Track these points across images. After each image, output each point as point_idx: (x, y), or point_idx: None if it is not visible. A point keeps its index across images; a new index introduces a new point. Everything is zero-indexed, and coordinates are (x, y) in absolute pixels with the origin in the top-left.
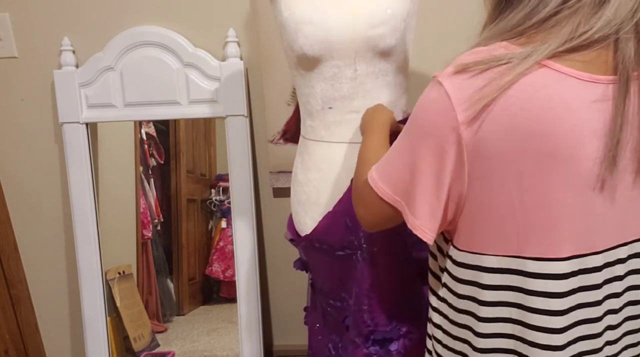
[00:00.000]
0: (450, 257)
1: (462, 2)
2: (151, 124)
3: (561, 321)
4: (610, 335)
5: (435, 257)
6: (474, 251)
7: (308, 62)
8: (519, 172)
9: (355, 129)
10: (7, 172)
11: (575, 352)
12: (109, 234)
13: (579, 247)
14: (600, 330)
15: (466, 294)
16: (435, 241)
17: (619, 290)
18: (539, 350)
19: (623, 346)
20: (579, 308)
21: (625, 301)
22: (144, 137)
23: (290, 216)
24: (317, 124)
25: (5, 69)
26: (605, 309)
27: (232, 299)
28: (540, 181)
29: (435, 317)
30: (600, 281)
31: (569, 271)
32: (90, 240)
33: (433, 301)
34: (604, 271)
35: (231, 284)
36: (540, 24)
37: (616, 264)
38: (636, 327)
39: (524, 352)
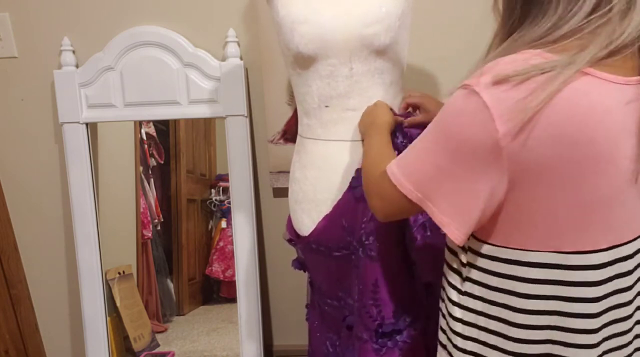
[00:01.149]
0: (480, 254)
1: (459, 0)
2: (151, 124)
3: (597, 307)
4: (639, 315)
5: (454, 253)
6: (514, 247)
7: (304, 61)
8: (563, 177)
9: (351, 127)
10: (7, 172)
11: (608, 334)
12: (109, 234)
13: (615, 238)
14: (630, 312)
15: (502, 287)
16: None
17: None
18: (577, 334)
19: None
20: (614, 294)
21: None
22: (144, 137)
23: (290, 216)
24: (313, 122)
25: (5, 69)
26: (636, 292)
27: (232, 299)
28: (583, 183)
29: (456, 312)
30: (631, 267)
31: (607, 260)
32: (90, 240)
33: (453, 295)
34: (636, 257)
35: (231, 284)
36: (573, 33)
37: None
38: None
39: (561, 339)
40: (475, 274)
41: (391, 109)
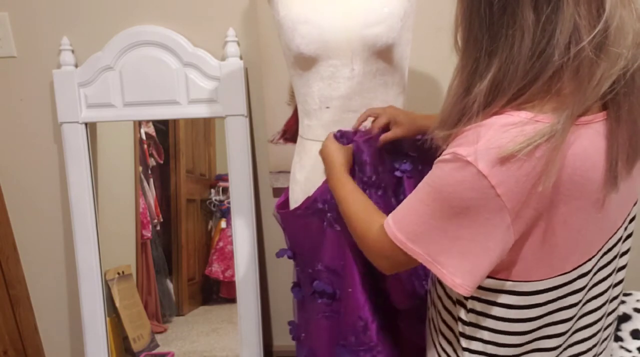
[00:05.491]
0: (505, 291)
1: None
2: (150, 123)
3: (577, 309)
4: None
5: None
6: (518, 280)
7: (305, 62)
8: (564, 215)
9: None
10: (6, 172)
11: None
12: (109, 234)
13: (582, 257)
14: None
15: (509, 317)
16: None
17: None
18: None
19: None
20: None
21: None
22: (144, 137)
23: (280, 197)
24: (314, 123)
25: (4, 69)
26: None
27: (231, 299)
28: (579, 214)
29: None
30: (591, 277)
31: (593, 266)
32: (89, 240)
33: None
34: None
35: (231, 284)
36: (552, 81)
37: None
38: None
39: (548, 333)
40: (493, 310)
41: (342, 135)
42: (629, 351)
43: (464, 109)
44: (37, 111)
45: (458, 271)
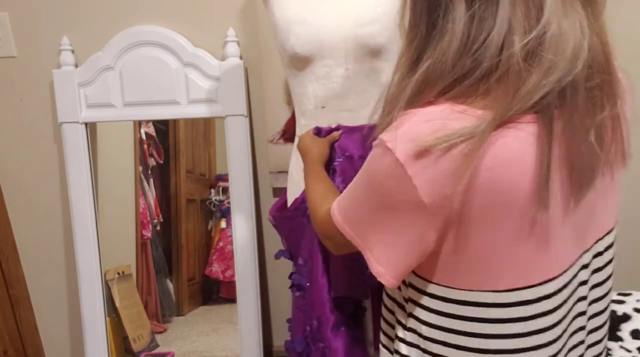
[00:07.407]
0: (423, 291)
1: None
2: (150, 123)
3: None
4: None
5: (398, 288)
6: (454, 287)
7: (300, 62)
8: (490, 223)
9: None
10: (6, 172)
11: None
12: (109, 234)
13: (544, 274)
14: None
15: (446, 326)
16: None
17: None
18: None
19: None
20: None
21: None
22: (144, 137)
23: (275, 202)
24: (311, 123)
25: (4, 69)
26: (562, 330)
27: (231, 300)
28: (508, 225)
29: (403, 348)
30: (558, 303)
31: (536, 297)
32: (89, 240)
33: (399, 331)
34: (563, 291)
35: (231, 284)
36: (481, 81)
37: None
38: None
39: None
40: (418, 312)
41: (319, 132)
42: (629, 351)
43: (397, 97)
44: (37, 111)
45: (382, 259)
